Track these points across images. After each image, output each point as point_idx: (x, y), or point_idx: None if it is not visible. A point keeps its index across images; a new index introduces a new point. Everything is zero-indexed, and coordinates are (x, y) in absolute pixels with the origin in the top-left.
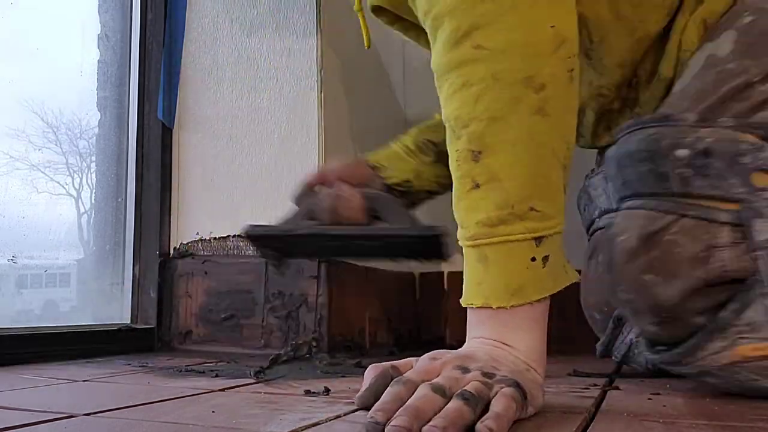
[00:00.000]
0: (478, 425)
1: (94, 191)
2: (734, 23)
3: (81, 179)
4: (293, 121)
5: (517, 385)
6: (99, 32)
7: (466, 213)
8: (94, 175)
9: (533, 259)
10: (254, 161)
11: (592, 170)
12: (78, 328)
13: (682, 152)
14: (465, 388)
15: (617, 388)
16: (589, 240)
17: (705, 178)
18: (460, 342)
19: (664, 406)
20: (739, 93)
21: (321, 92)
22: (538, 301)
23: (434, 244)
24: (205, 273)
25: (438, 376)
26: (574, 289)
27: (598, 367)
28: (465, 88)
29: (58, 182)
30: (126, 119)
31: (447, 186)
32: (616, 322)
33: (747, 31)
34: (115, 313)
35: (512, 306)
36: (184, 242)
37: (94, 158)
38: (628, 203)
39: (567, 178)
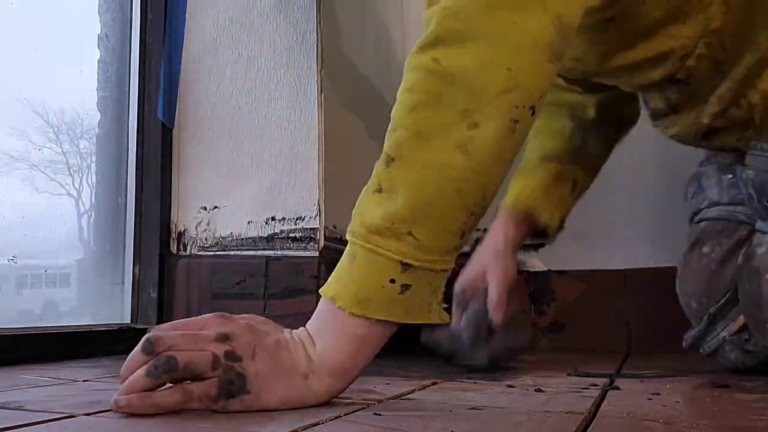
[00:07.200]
0: (114, 396)
1: (94, 191)
2: None
3: (81, 179)
4: (293, 122)
5: (230, 383)
6: (99, 32)
7: (359, 208)
8: (94, 175)
9: (392, 281)
10: (254, 161)
11: (707, 158)
12: (78, 328)
13: None
14: (173, 355)
15: (617, 388)
16: (691, 226)
17: None
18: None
19: (664, 406)
20: None
21: (321, 93)
22: (381, 322)
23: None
24: (206, 273)
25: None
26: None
27: (598, 367)
28: (409, 92)
29: (58, 182)
30: (126, 119)
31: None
32: (711, 318)
33: None
34: (115, 313)
35: (351, 313)
36: (185, 242)
37: (94, 158)
38: None
39: (472, 225)
